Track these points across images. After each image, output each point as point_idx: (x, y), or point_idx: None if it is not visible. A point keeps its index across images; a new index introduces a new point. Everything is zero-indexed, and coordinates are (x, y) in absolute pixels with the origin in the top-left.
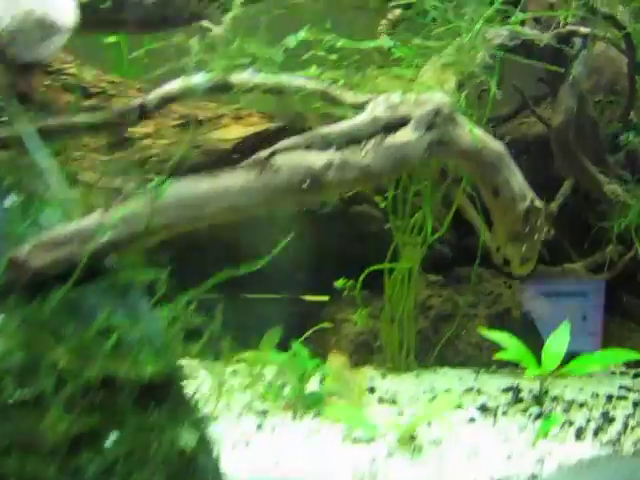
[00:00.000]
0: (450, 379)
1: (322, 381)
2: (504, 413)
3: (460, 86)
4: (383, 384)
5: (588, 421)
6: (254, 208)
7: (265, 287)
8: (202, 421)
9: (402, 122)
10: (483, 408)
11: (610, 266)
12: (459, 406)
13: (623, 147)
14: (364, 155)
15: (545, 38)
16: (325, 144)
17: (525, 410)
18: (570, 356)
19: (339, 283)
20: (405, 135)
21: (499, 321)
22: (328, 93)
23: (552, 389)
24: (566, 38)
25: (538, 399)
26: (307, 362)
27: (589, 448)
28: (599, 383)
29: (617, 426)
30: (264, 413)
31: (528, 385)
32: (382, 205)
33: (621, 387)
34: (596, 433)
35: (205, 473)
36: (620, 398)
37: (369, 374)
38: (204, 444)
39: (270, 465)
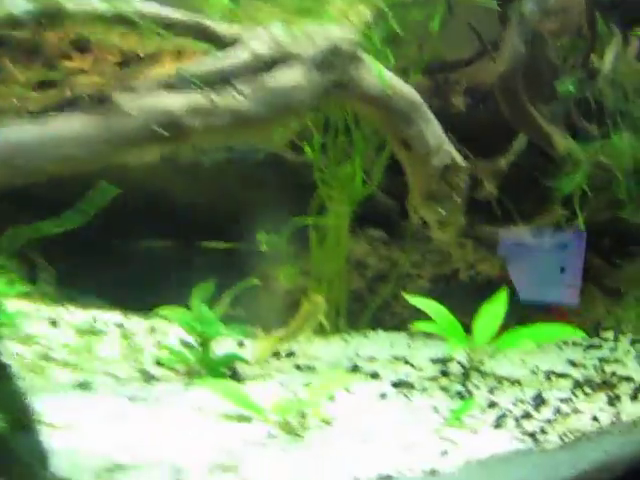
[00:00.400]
0: (380, 345)
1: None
2: (423, 389)
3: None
4: (306, 348)
5: (515, 404)
6: (97, 159)
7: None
8: (18, 395)
9: (289, 61)
10: (400, 382)
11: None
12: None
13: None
14: (239, 99)
15: None
16: (189, 84)
17: (447, 388)
18: (546, 309)
19: (259, 236)
20: (293, 76)
21: (445, 283)
22: (198, 25)
23: (489, 362)
24: None
25: (465, 375)
26: (211, 322)
27: (506, 440)
28: (545, 355)
29: (547, 412)
30: (150, 380)
31: (465, 356)
32: (309, 153)
33: (568, 361)
34: (519, 420)
35: (19, 455)
36: (561, 376)
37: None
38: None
39: (121, 446)
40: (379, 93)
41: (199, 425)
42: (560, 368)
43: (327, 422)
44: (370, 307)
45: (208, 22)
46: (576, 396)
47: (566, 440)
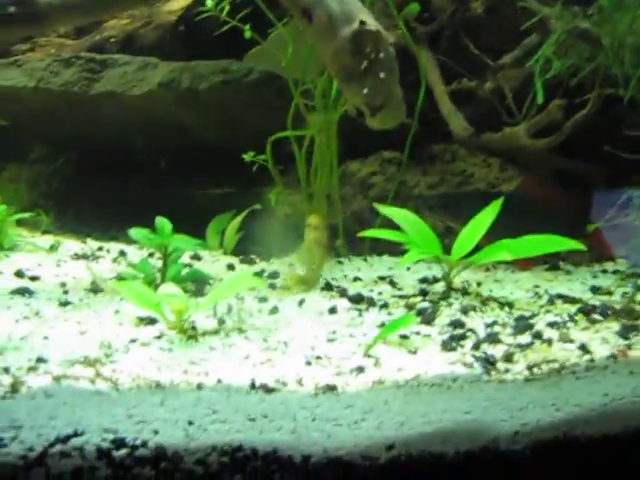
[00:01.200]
0: (375, 267)
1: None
2: (383, 306)
3: None
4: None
5: (488, 326)
6: None
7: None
8: None
9: None
10: (359, 298)
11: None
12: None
13: None
14: None
15: None
16: None
17: (413, 306)
18: None
19: (247, 156)
20: None
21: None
22: None
23: (487, 283)
24: None
25: (444, 294)
26: (168, 236)
27: (446, 363)
28: (568, 280)
29: (524, 338)
30: (98, 292)
31: (461, 278)
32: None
33: (591, 288)
34: (479, 344)
35: None
36: (570, 300)
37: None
38: None
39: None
40: None
41: (101, 325)
42: (574, 293)
43: (240, 330)
44: (372, 228)
45: None
46: (574, 322)
47: (536, 372)
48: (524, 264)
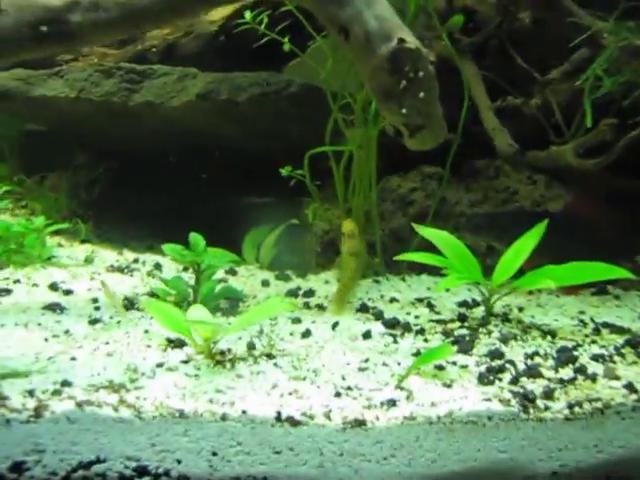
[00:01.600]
0: (413, 288)
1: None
2: (419, 332)
3: None
4: (328, 289)
5: (528, 357)
6: None
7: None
8: None
9: None
10: (395, 323)
11: (606, 148)
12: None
13: None
14: None
15: None
16: None
17: (450, 332)
18: None
19: (285, 171)
20: None
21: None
22: None
23: (529, 308)
24: None
25: (485, 319)
26: (200, 252)
27: (484, 400)
28: (616, 307)
29: (566, 372)
30: (130, 308)
31: (502, 302)
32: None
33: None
34: (518, 377)
35: None
36: (617, 330)
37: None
38: None
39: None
40: None
41: (129, 347)
42: (622, 321)
43: (269, 355)
44: (411, 247)
45: None
46: (621, 355)
47: (577, 411)
48: (570, 289)
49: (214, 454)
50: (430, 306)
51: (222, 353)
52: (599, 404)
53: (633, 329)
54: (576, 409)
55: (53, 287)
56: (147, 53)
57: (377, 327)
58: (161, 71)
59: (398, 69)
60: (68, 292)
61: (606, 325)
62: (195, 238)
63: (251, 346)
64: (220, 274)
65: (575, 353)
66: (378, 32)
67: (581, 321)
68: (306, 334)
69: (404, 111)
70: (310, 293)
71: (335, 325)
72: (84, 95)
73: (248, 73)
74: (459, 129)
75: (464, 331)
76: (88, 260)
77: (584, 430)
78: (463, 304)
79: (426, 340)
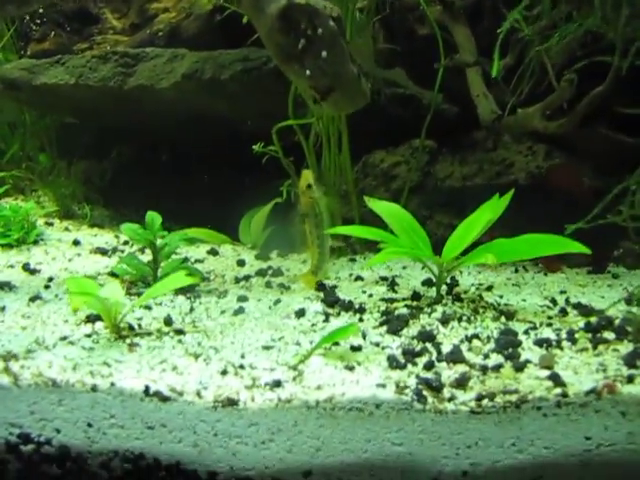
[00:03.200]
0: (388, 265)
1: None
2: (358, 310)
3: None
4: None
5: (464, 341)
6: None
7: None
8: None
9: None
10: (336, 302)
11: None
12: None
13: None
14: None
15: None
16: None
17: (391, 311)
18: None
19: (257, 148)
20: None
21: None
22: None
23: (501, 287)
24: None
25: (436, 298)
26: (155, 231)
27: (378, 386)
28: (608, 285)
29: (496, 359)
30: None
31: (478, 280)
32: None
33: (625, 296)
34: (434, 363)
35: None
36: (586, 312)
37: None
38: None
39: None
40: None
41: (46, 322)
42: (601, 303)
43: (181, 332)
44: None
45: None
46: (573, 342)
47: (486, 405)
48: (549, 264)
49: (89, 425)
50: (392, 284)
51: (131, 328)
52: (514, 397)
53: (607, 311)
54: (485, 402)
55: (25, 268)
56: (154, 38)
57: (316, 306)
58: (152, 54)
59: (292, 28)
60: (34, 271)
61: (578, 306)
62: (151, 217)
63: (167, 322)
64: (202, 253)
65: (520, 337)
66: None
67: (553, 301)
68: (239, 311)
69: (308, 72)
70: (278, 272)
71: (276, 302)
72: (82, 81)
73: (231, 50)
74: (435, 91)
75: (405, 310)
76: (76, 243)
77: (497, 426)
78: (427, 282)
79: (361, 320)
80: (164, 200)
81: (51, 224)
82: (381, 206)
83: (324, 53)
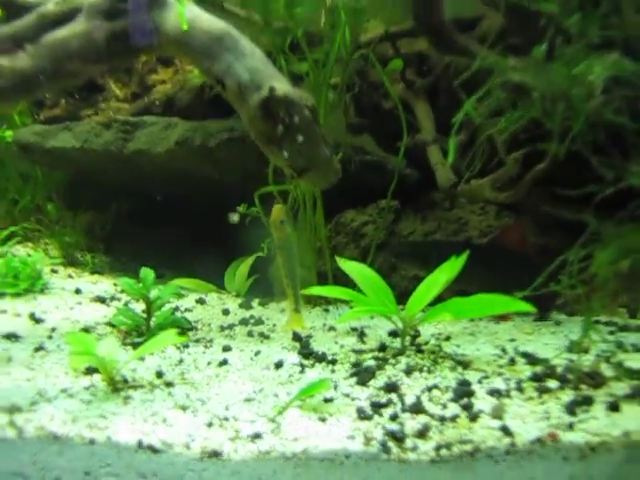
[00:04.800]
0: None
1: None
2: (331, 362)
3: None
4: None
5: (425, 391)
6: None
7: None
8: None
9: (74, 14)
10: (311, 354)
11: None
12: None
13: None
14: (22, 57)
15: None
16: None
17: (360, 362)
18: None
19: (242, 209)
20: (72, 28)
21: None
22: None
23: (459, 336)
24: None
25: (401, 350)
26: (149, 285)
27: (349, 437)
28: (537, 332)
29: (453, 409)
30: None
31: (437, 330)
32: None
33: (569, 344)
34: (398, 414)
35: None
36: (533, 361)
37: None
38: None
39: None
40: (177, 31)
41: (48, 373)
42: (544, 351)
43: (170, 384)
44: None
45: None
46: (521, 390)
47: (444, 454)
48: (500, 317)
49: (86, 473)
50: (361, 335)
51: (125, 381)
52: (469, 447)
53: (551, 360)
54: (443, 451)
55: (32, 316)
56: (152, 106)
57: (293, 357)
58: (149, 122)
59: (272, 116)
60: (39, 320)
61: (525, 355)
62: (144, 272)
63: (158, 374)
64: (191, 302)
65: (474, 387)
66: (249, 83)
67: (503, 350)
68: (222, 363)
69: (285, 154)
70: (259, 321)
71: (257, 353)
72: (87, 145)
73: (219, 120)
74: (399, 159)
75: (373, 362)
76: (78, 291)
77: (454, 473)
78: (392, 333)
79: (333, 371)
80: (158, 249)
81: (56, 271)
82: (350, 266)
83: (300, 138)
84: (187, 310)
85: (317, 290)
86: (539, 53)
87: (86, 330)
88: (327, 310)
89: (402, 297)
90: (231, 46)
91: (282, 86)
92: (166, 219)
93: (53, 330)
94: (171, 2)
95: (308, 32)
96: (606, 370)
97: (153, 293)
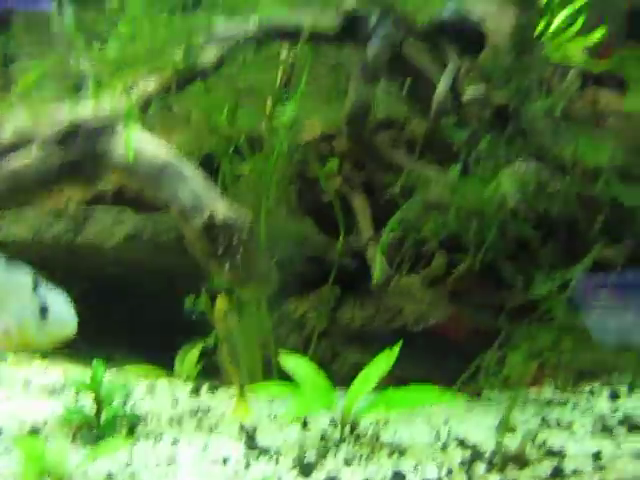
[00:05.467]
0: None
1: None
2: (275, 454)
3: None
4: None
5: None
6: None
7: None
8: None
9: (29, 143)
10: (253, 445)
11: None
12: None
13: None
14: None
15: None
16: None
17: (303, 454)
18: None
19: (189, 304)
20: (25, 157)
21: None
22: None
23: (396, 421)
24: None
25: (341, 440)
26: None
27: None
28: (470, 412)
29: None
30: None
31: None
32: None
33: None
34: None
35: None
36: (466, 446)
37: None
38: None
39: None
40: (125, 160)
41: None
42: (475, 433)
43: None
44: None
45: None
46: (451, 476)
47: None
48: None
49: None
50: (305, 424)
51: None
52: None
53: (480, 442)
54: None
55: None
56: (104, 195)
57: (239, 451)
58: (99, 213)
59: (213, 237)
60: None
61: (456, 439)
62: (96, 367)
63: (110, 477)
64: (141, 390)
65: (409, 476)
66: (191, 208)
67: (437, 434)
68: (172, 461)
69: (226, 269)
70: (207, 410)
71: (205, 448)
72: (37, 237)
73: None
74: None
75: (315, 453)
76: (25, 383)
77: None
78: (333, 421)
79: (277, 462)
80: (110, 332)
81: (5, 359)
82: (291, 362)
83: (239, 256)
84: (139, 399)
85: (259, 387)
86: (455, 171)
87: (35, 430)
88: (272, 400)
89: (345, 380)
90: (174, 174)
91: (222, 210)
92: (117, 305)
93: (0, 432)
94: (119, 130)
95: (249, 137)
96: (531, 450)
97: (103, 389)
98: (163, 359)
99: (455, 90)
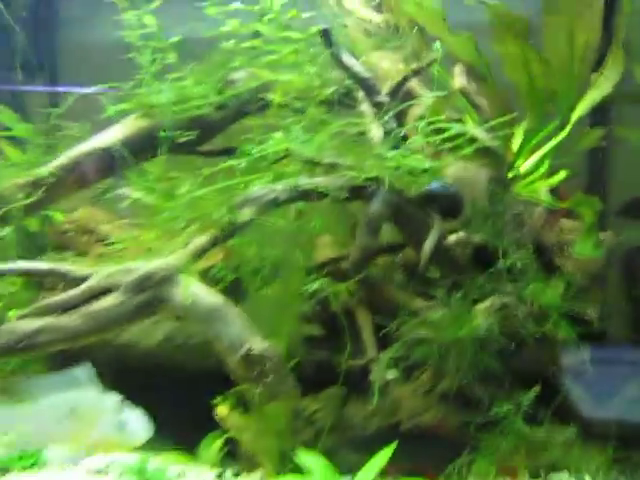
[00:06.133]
0: None
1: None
2: None
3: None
4: None
5: None
6: None
7: None
8: None
9: (112, 289)
10: None
11: None
12: None
13: None
14: (74, 318)
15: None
16: (49, 311)
17: None
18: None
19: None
20: (111, 300)
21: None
22: (55, 270)
23: None
24: None
25: None
26: None
27: None
28: None
29: None
30: None
31: None
32: None
33: None
34: None
35: None
36: None
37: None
38: None
39: None
40: (184, 303)
41: None
42: None
43: None
44: None
45: (64, 268)
46: None
47: None
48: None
49: None
50: None
51: None
52: None
53: None
54: None
55: None
56: None
57: None
58: None
59: (250, 366)
60: None
61: None
62: (143, 455)
63: None
64: (174, 472)
65: None
66: (233, 344)
67: None
68: None
69: (260, 388)
70: None
71: None
72: None
73: None
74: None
75: None
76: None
77: None
78: None
79: None
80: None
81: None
82: (306, 456)
83: (269, 379)
84: None
85: (278, 477)
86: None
87: None
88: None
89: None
90: (221, 316)
91: (257, 344)
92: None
93: None
94: (179, 280)
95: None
96: None
97: (147, 473)
98: (191, 447)
99: (439, 245)
